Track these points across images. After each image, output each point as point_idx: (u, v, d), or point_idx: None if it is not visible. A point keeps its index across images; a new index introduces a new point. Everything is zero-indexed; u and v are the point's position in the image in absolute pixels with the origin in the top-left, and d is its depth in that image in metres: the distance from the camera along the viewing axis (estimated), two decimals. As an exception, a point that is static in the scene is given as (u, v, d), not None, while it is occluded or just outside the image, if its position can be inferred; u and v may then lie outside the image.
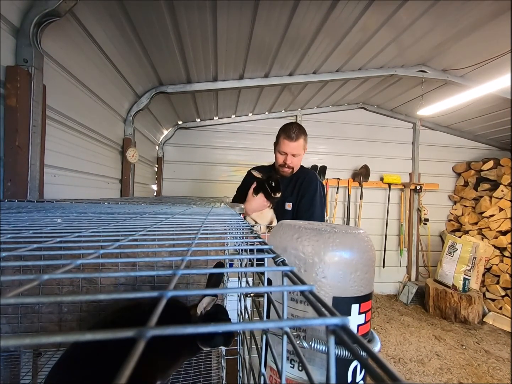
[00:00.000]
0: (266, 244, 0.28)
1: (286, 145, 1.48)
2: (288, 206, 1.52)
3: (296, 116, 3.59)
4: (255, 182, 1.46)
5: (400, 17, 1.79)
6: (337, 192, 3.63)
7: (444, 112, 3.12)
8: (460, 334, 2.73)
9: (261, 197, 1.40)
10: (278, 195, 1.39)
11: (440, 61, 2.42)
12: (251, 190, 1.44)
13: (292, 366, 0.47)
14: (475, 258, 3.10)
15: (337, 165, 3.68)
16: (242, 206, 1.15)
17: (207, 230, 0.40)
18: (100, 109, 1.73)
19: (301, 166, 1.64)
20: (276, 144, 1.58)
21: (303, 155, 1.56)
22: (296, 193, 1.53)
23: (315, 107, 3.59)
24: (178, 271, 0.18)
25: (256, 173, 1.46)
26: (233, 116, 3.48)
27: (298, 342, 0.41)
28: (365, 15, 1.74)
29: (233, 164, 3.55)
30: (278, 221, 1.43)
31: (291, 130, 1.48)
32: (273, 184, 1.38)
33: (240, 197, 1.57)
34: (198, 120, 3.44)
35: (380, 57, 2.33)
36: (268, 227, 1.28)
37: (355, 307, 0.46)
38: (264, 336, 0.28)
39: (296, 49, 2.09)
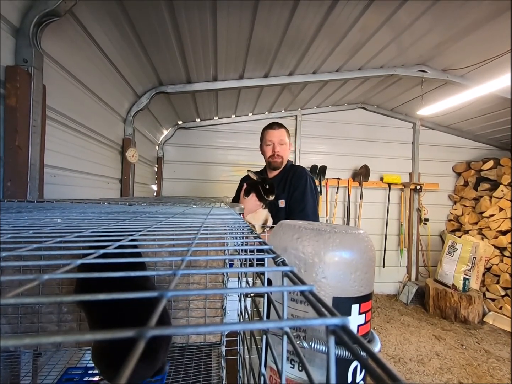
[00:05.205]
0: (266, 244, 0.28)
1: (270, 134, 1.61)
2: (281, 203, 1.54)
3: (296, 116, 3.59)
4: (245, 184, 1.48)
5: (399, 17, 1.79)
6: (337, 192, 3.63)
7: (444, 112, 3.12)
8: (460, 334, 2.73)
9: (252, 198, 1.41)
10: (271, 198, 1.40)
11: (440, 61, 2.41)
12: (242, 193, 1.46)
13: (292, 366, 0.47)
14: (475, 257, 3.09)
15: (337, 165, 3.68)
16: (242, 206, 1.15)
17: (207, 230, 0.40)
18: (100, 109, 1.73)
19: (291, 164, 1.69)
20: (261, 142, 1.69)
21: (289, 149, 1.67)
22: (288, 188, 1.55)
23: (315, 107, 3.59)
24: (178, 271, 0.18)
25: (251, 175, 1.48)
26: (233, 116, 3.48)
27: (298, 342, 0.41)
28: (365, 15, 1.74)
29: (233, 164, 3.55)
30: (273, 219, 1.43)
31: (272, 124, 1.64)
32: (267, 187, 1.39)
33: (237, 197, 1.60)
34: (198, 120, 3.44)
35: (380, 57, 2.33)
36: (262, 226, 1.28)
37: (355, 307, 0.46)
38: (264, 336, 0.28)
39: (296, 49, 2.09)
